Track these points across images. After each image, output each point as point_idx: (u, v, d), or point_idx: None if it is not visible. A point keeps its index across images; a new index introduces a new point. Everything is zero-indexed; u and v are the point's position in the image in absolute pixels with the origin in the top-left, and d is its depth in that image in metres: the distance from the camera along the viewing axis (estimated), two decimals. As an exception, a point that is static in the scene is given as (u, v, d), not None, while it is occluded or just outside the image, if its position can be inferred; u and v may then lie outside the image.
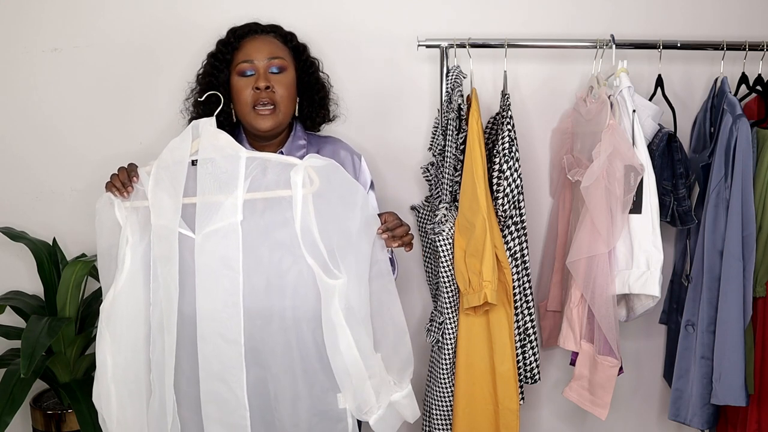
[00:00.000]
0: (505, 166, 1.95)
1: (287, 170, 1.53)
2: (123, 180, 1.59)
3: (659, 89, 2.11)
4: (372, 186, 1.92)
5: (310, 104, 1.89)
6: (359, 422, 1.68)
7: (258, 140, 1.84)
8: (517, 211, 1.99)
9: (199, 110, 1.84)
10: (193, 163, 1.56)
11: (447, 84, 2.07)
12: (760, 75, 2.07)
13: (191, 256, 1.55)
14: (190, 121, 1.90)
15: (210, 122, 1.57)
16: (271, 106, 1.76)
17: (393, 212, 1.69)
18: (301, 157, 1.83)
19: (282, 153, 1.83)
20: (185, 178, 1.55)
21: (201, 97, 1.79)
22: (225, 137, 1.56)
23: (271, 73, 1.78)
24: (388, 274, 1.62)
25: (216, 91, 1.79)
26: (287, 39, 1.87)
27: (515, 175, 1.96)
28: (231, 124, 1.85)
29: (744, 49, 2.05)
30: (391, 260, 1.84)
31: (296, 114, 1.88)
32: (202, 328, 1.55)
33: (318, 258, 1.53)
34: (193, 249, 1.54)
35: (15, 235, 2.21)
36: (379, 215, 1.66)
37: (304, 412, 1.60)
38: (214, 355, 1.55)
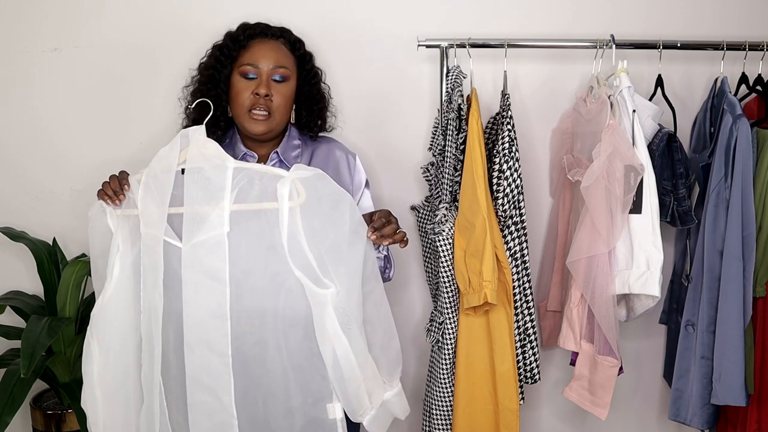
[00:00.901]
0: (505, 166, 1.95)
1: (274, 182, 1.52)
2: (114, 188, 1.60)
3: (659, 89, 2.11)
4: (367, 185, 1.92)
5: (309, 113, 1.89)
6: (351, 425, 1.68)
7: (252, 140, 1.84)
8: (517, 211, 1.99)
9: (195, 114, 1.84)
10: (183, 172, 1.56)
11: (447, 84, 2.07)
12: (760, 75, 2.07)
13: (179, 265, 1.54)
14: (186, 110, 1.90)
15: (199, 131, 1.57)
16: (266, 113, 1.76)
17: (384, 210, 1.69)
18: (296, 158, 1.84)
19: (277, 153, 1.83)
20: (172, 187, 1.55)
21: (200, 92, 1.80)
22: (214, 146, 1.55)
23: (273, 80, 1.78)
24: (376, 278, 1.61)
25: (216, 85, 1.79)
26: (295, 47, 1.86)
27: (515, 175, 1.96)
28: (226, 119, 1.85)
29: (744, 49, 2.05)
30: (387, 258, 1.84)
31: (292, 121, 1.88)
32: (189, 339, 1.55)
33: (307, 269, 1.53)
34: (180, 259, 1.54)
35: (15, 235, 2.21)
36: (371, 213, 1.66)
37: (294, 424, 1.60)
38: (202, 365, 1.55)
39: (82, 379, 1.64)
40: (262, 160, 1.84)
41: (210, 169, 1.53)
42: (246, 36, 1.81)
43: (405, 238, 1.66)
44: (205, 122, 1.59)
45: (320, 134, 1.95)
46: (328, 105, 1.95)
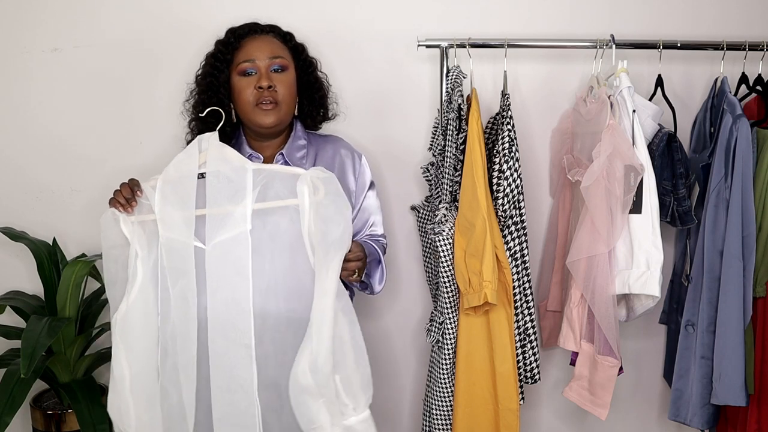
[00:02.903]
0: (505, 166, 1.95)
1: (293, 180, 1.58)
2: (126, 195, 1.61)
3: (659, 89, 2.11)
4: (372, 185, 1.92)
5: (310, 103, 1.91)
6: None
7: (259, 139, 1.84)
8: (517, 211, 1.99)
9: (201, 125, 1.84)
10: (200, 176, 1.60)
11: (447, 84, 2.07)
12: (760, 75, 2.07)
13: (202, 265, 1.58)
14: (190, 123, 1.91)
15: (214, 137, 1.62)
16: (273, 103, 1.77)
17: (357, 242, 1.69)
18: (301, 159, 1.85)
19: (282, 154, 1.84)
20: (195, 191, 1.59)
21: (201, 102, 1.81)
22: (231, 150, 1.61)
23: (272, 71, 1.78)
24: (344, 294, 1.60)
25: (217, 92, 1.80)
26: (286, 39, 1.87)
27: (515, 175, 1.96)
28: (231, 125, 1.85)
29: (744, 49, 2.05)
30: (381, 265, 1.84)
31: (296, 114, 1.88)
32: (213, 334, 1.58)
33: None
34: (203, 258, 1.58)
35: (15, 235, 2.21)
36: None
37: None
38: (226, 358, 1.58)
39: (109, 386, 1.65)
40: (268, 161, 1.85)
41: (230, 171, 1.58)
42: (236, 37, 1.82)
43: (355, 275, 1.66)
44: (217, 129, 1.63)
45: (326, 134, 1.95)
46: (328, 92, 1.95)
